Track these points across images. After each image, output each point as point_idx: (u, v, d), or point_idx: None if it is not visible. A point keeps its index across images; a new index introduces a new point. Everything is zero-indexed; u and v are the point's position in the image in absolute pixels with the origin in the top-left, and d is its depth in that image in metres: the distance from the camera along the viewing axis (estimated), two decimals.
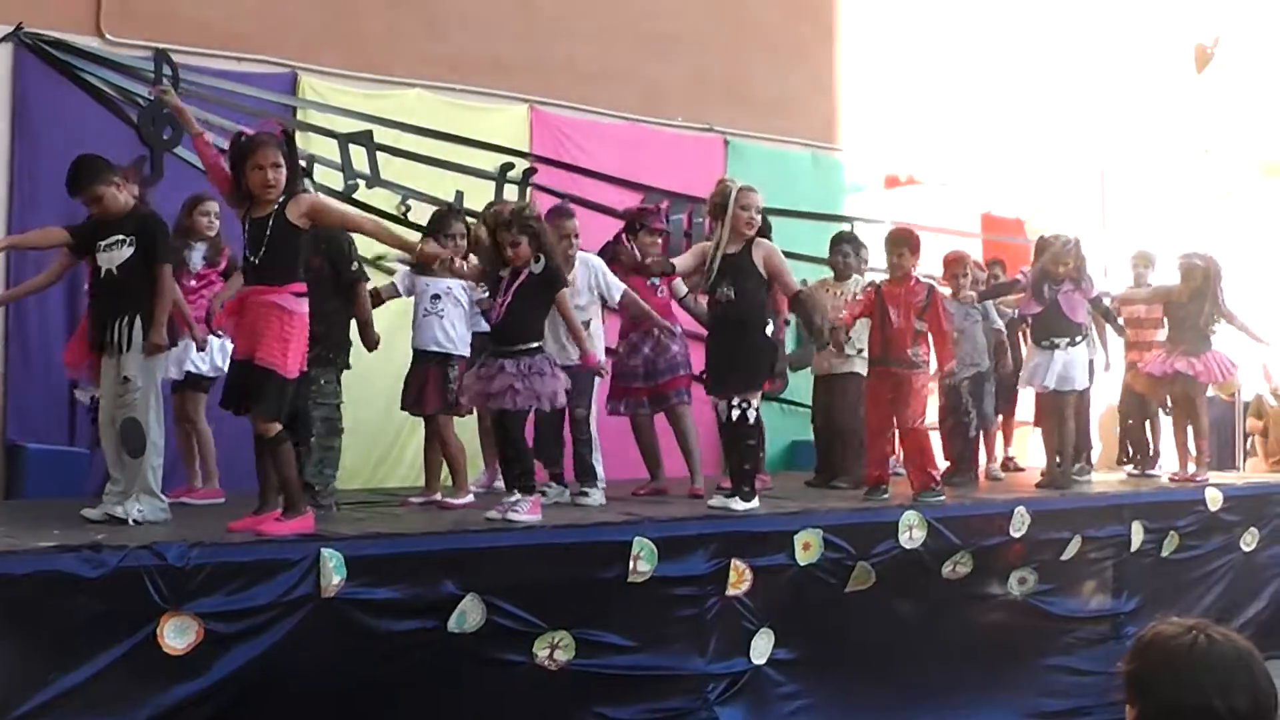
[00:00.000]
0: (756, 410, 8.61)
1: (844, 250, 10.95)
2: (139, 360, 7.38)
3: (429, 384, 8.94)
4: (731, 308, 8.52)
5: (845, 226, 12.91)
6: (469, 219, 9.15)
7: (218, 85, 10.58)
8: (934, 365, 9.68)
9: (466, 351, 8.98)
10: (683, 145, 13.36)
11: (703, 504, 8.77)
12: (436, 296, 8.99)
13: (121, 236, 7.46)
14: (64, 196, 8.94)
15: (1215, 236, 12.60)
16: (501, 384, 7.66)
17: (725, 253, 8.54)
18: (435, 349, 8.94)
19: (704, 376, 8.85)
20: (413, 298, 9.09)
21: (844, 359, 10.52)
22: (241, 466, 8.22)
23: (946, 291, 10.80)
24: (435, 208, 10.76)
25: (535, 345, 7.81)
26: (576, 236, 9.33)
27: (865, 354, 10.30)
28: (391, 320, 9.21)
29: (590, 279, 9.29)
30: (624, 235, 9.92)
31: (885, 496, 9.39)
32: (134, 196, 7.86)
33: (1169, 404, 12.02)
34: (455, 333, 9.00)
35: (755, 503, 8.53)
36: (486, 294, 8.23)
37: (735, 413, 8.47)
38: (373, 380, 9.53)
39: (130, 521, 7.12)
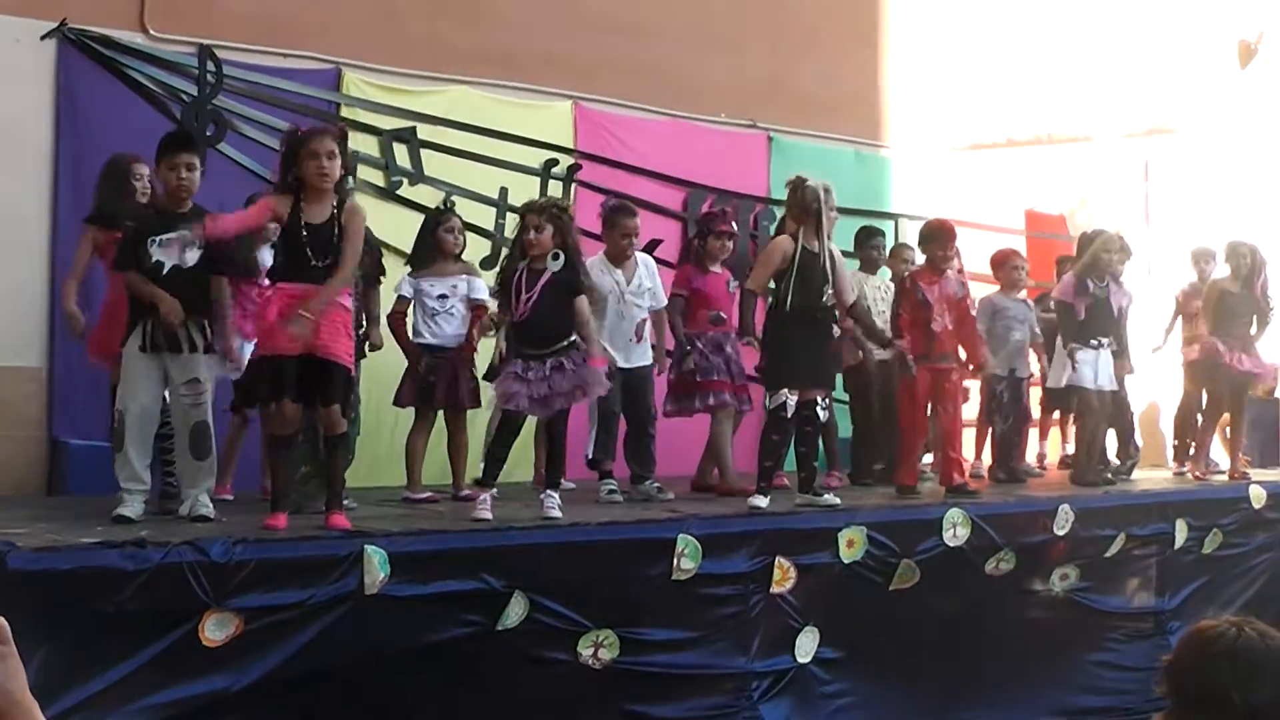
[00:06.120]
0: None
1: (877, 244, 11.18)
2: (209, 362, 7.42)
3: (459, 379, 9.05)
4: (830, 311, 8.71)
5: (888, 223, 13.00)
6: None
7: (262, 81, 10.57)
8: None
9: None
10: (726, 141, 13.30)
11: (742, 502, 8.69)
12: (444, 296, 9.11)
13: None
14: None
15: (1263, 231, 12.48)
16: (568, 384, 7.71)
17: (820, 254, 8.63)
18: (456, 345, 9.14)
19: (775, 373, 8.80)
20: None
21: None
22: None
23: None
24: (479, 204, 10.84)
25: (572, 339, 7.83)
26: (636, 235, 9.43)
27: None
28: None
29: (647, 278, 9.39)
30: (695, 241, 10.06)
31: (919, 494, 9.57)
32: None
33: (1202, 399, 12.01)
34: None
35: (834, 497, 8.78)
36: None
37: (824, 412, 8.80)
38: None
39: (211, 519, 7.11)
